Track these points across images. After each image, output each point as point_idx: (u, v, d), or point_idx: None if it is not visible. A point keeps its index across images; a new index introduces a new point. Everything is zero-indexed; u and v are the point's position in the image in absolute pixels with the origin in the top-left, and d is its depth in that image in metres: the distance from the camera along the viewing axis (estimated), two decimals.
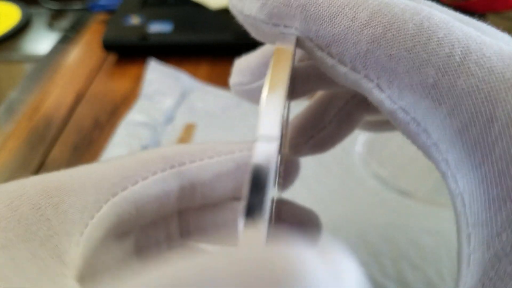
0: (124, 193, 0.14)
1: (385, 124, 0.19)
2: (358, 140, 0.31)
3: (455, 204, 0.11)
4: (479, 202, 0.10)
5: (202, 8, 0.46)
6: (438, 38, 0.10)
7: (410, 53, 0.10)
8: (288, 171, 0.18)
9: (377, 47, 0.11)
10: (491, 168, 0.10)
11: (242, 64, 0.16)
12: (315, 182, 0.29)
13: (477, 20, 0.12)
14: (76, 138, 0.34)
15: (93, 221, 0.12)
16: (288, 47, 0.12)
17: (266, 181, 0.09)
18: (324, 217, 0.27)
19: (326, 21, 0.11)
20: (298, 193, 0.28)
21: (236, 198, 0.17)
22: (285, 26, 0.12)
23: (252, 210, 0.08)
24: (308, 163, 0.31)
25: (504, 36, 0.12)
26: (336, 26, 0.11)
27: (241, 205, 0.09)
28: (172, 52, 0.42)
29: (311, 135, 0.17)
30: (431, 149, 0.11)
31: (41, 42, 0.49)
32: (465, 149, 0.10)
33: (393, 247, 0.24)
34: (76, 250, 0.12)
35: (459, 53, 0.10)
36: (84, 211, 0.12)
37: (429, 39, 0.10)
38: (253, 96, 0.16)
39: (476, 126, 0.10)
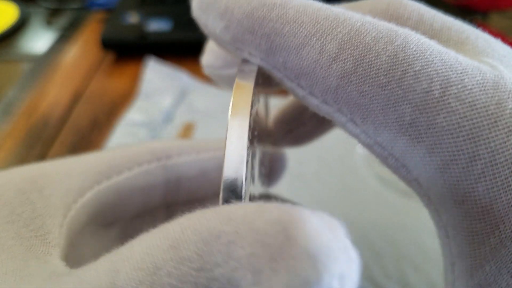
0: (108, 182, 0.14)
1: None
2: None
3: (439, 235, 0.11)
4: (462, 236, 0.10)
5: None
6: (415, 71, 0.09)
7: (384, 90, 0.10)
8: (274, 167, 0.18)
9: (348, 83, 0.10)
10: (473, 205, 0.09)
11: (215, 47, 0.15)
12: (317, 182, 0.28)
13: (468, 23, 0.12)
14: (74, 138, 0.34)
15: (76, 206, 0.12)
16: (249, 82, 0.11)
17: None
18: None
19: (292, 53, 0.11)
20: (300, 194, 0.28)
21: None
22: (250, 54, 0.12)
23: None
24: (310, 163, 0.30)
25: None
26: (303, 59, 0.11)
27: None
28: (171, 51, 0.42)
29: (289, 129, 0.17)
30: (412, 183, 0.11)
31: (39, 41, 0.48)
32: (447, 186, 0.10)
33: (395, 248, 0.24)
34: (60, 230, 0.12)
35: (438, 87, 0.09)
36: (68, 196, 0.12)
37: (404, 73, 0.10)
38: (224, 81, 0.16)
39: (458, 164, 0.09)
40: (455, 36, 0.11)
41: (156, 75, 0.39)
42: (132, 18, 0.44)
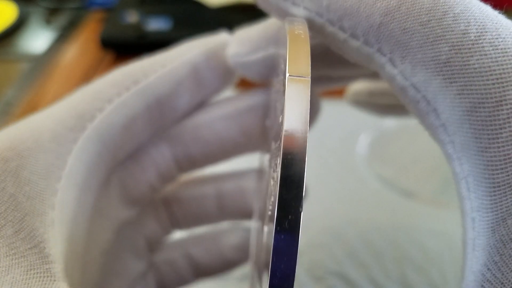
0: (85, 135, 0.12)
1: (395, 108, 0.19)
2: (361, 141, 0.31)
3: (459, 188, 0.11)
4: (484, 187, 0.10)
5: (201, 5, 0.46)
6: (454, 14, 0.10)
7: (425, 28, 0.10)
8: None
9: (391, 20, 0.10)
10: (497, 153, 0.09)
11: (242, 35, 0.15)
12: (317, 183, 0.28)
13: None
14: None
15: (62, 184, 0.12)
16: (302, 29, 0.11)
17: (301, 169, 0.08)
18: (326, 218, 0.26)
19: None
20: None
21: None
22: (293, 3, 0.12)
23: (286, 214, 0.07)
24: (310, 164, 0.30)
25: None
26: None
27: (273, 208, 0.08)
28: None
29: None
30: (439, 130, 0.11)
31: (38, 40, 0.48)
32: (473, 131, 0.10)
33: (396, 249, 0.24)
34: (52, 232, 0.11)
35: (474, 31, 0.10)
36: (49, 175, 0.11)
37: (444, 14, 0.10)
38: (249, 70, 0.15)
39: (485, 107, 0.10)
40: None
41: None
42: (131, 17, 0.44)
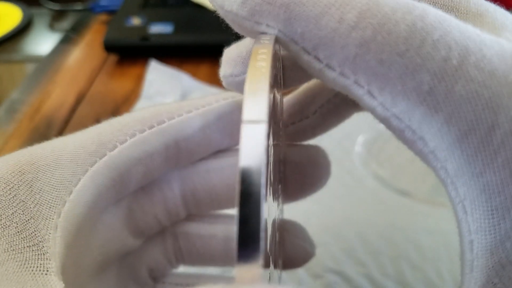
0: (103, 160, 0.13)
1: None
2: (358, 140, 0.31)
3: (456, 211, 0.11)
4: (481, 210, 0.10)
5: (202, 9, 0.46)
6: (433, 40, 0.09)
7: (403, 58, 0.10)
8: (309, 172, 0.17)
9: (366, 51, 0.10)
10: (493, 177, 0.09)
11: (233, 54, 0.15)
12: None
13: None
14: None
15: (71, 198, 0.12)
16: (267, 45, 0.11)
17: (258, 184, 0.08)
18: (323, 217, 0.27)
19: (311, 22, 0.10)
20: None
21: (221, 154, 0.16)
22: (268, 26, 0.11)
23: (246, 230, 0.07)
24: None
25: None
26: (322, 28, 0.10)
27: (235, 222, 0.08)
28: (172, 53, 0.42)
29: (292, 121, 0.17)
30: (429, 156, 0.10)
31: (42, 42, 0.49)
32: (465, 157, 0.09)
33: (392, 247, 0.24)
34: (54, 235, 0.11)
35: (457, 56, 0.09)
36: (61, 188, 0.12)
37: (423, 42, 0.09)
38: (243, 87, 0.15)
39: (476, 134, 0.09)
40: (474, 8, 0.11)
41: (158, 76, 0.39)
42: (135, 20, 0.45)
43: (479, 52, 0.09)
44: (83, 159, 0.13)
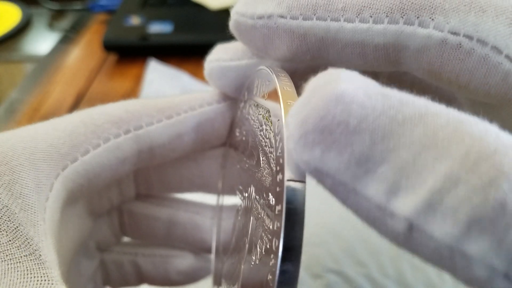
0: (74, 165, 0.13)
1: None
2: None
3: None
4: None
5: (202, 8, 0.46)
6: None
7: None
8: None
9: None
10: None
11: (227, 45, 0.15)
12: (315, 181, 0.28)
13: None
14: None
15: (48, 203, 0.12)
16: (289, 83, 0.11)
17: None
18: (323, 217, 0.27)
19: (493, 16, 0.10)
20: None
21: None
22: (420, 25, 0.10)
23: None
24: None
25: None
26: None
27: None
28: (172, 53, 0.42)
29: None
30: None
31: (42, 42, 0.49)
32: None
33: (393, 247, 0.24)
34: (46, 242, 0.11)
35: None
36: (40, 192, 0.11)
37: None
38: (225, 77, 0.14)
39: None
40: None
41: (158, 76, 0.39)
42: (134, 20, 0.45)
43: None
44: (55, 161, 0.12)
